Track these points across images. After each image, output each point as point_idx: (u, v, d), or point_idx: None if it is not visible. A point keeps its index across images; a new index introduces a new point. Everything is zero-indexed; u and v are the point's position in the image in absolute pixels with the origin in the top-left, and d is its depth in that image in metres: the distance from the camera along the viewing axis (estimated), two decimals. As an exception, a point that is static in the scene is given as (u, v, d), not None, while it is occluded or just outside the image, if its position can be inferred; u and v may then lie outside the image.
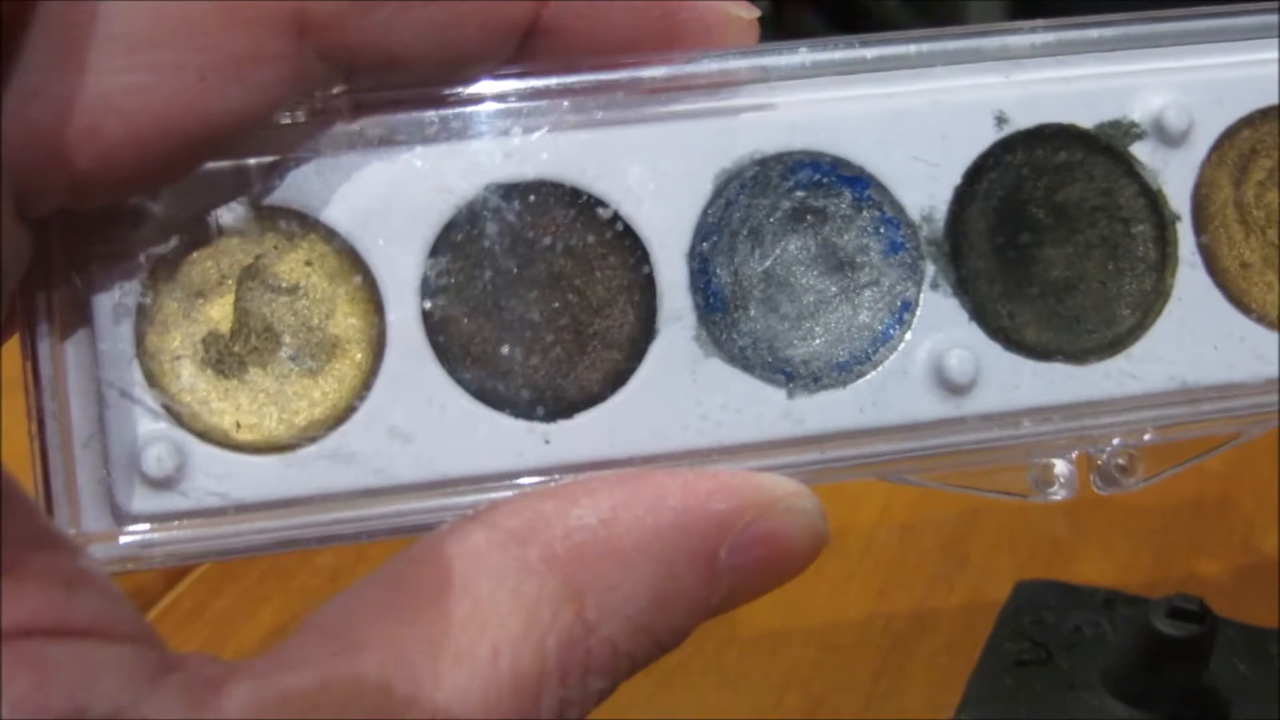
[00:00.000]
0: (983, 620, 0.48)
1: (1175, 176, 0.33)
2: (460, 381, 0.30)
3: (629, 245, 0.31)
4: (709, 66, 0.31)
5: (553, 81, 0.30)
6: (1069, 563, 0.53)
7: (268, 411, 0.29)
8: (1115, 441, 0.32)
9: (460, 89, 0.30)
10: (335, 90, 0.29)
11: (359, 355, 0.30)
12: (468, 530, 0.27)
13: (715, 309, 0.31)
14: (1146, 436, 0.32)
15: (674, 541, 0.27)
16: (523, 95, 0.30)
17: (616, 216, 0.30)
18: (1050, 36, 0.33)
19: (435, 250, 0.30)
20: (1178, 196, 0.33)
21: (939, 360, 0.31)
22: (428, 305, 0.30)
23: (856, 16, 1.58)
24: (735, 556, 0.28)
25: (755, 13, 0.32)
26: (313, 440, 0.29)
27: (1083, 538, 0.54)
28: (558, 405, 0.30)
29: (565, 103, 0.30)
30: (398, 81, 0.30)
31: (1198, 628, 0.40)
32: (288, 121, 0.29)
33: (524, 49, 0.30)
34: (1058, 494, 0.32)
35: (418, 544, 0.27)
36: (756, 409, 0.31)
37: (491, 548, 0.26)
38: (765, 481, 0.29)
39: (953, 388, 0.31)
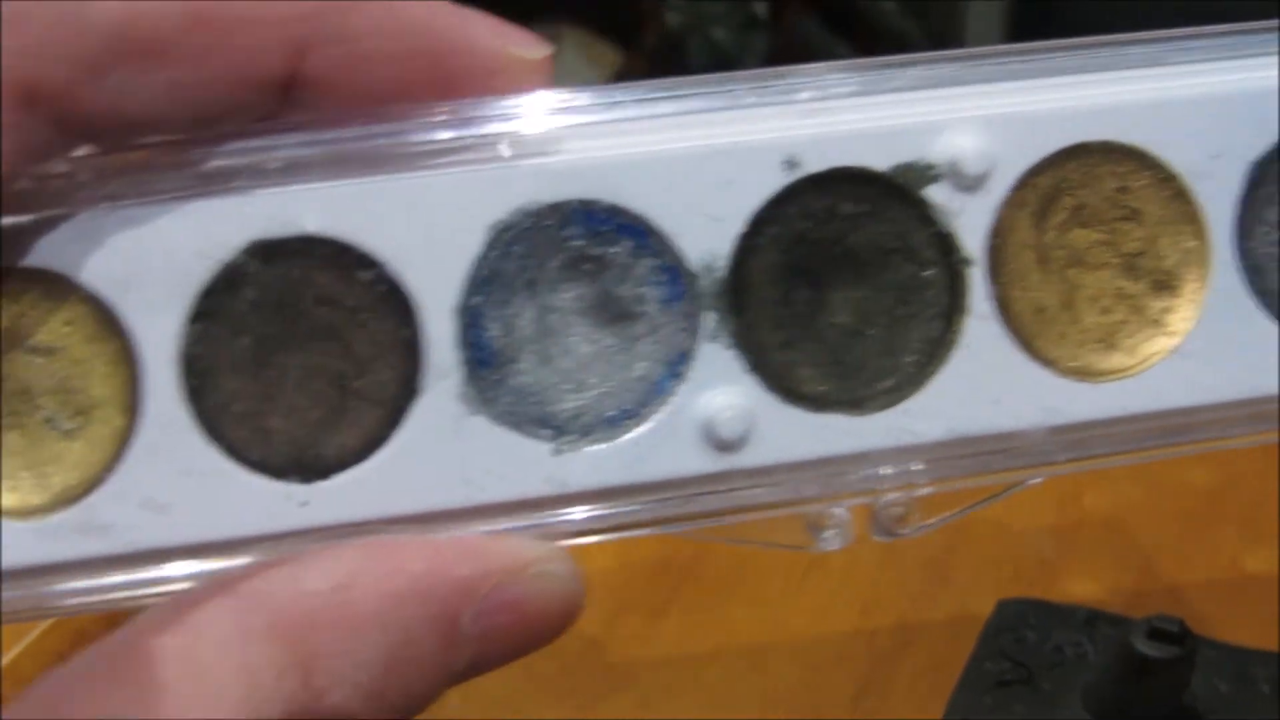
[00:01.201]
0: (965, 638, 0.48)
1: (971, 219, 0.32)
2: (218, 444, 0.29)
3: (395, 301, 0.30)
4: (481, 113, 0.30)
5: (315, 135, 0.29)
6: (1053, 581, 0.53)
7: (22, 476, 0.29)
8: (892, 495, 0.32)
9: (218, 145, 0.29)
10: (83, 151, 0.28)
11: (117, 419, 0.29)
12: (195, 598, 0.27)
13: (484, 364, 0.30)
14: (921, 491, 0.32)
15: (411, 607, 0.27)
16: (285, 149, 0.29)
17: (382, 272, 0.30)
18: (846, 76, 0.31)
19: (194, 311, 0.29)
20: (973, 240, 0.32)
21: (711, 414, 0.31)
22: (186, 367, 0.29)
23: (855, 19, 1.52)
24: (480, 622, 0.28)
25: (543, 51, 0.30)
26: (68, 505, 0.29)
27: (1067, 555, 0.54)
28: (317, 467, 0.30)
29: (329, 156, 0.29)
30: (150, 140, 0.28)
31: (1177, 649, 0.40)
32: (32, 184, 0.28)
33: (287, 101, 0.29)
34: (833, 543, 0.32)
35: (146, 612, 0.27)
36: (520, 467, 0.30)
37: (219, 615, 0.26)
38: (515, 545, 0.29)
39: (723, 443, 0.31)
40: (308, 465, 0.30)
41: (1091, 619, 0.48)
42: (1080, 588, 0.53)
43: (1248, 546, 0.54)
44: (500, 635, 0.28)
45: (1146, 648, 0.41)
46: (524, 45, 0.29)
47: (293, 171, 0.29)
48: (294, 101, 0.28)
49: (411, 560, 0.27)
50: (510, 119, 0.30)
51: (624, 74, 1.44)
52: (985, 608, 0.49)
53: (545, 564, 0.29)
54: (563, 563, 0.29)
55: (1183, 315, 0.33)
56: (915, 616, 0.52)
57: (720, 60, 1.54)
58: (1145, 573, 0.54)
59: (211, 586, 0.27)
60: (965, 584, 0.54)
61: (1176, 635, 0.41)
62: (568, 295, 0.30)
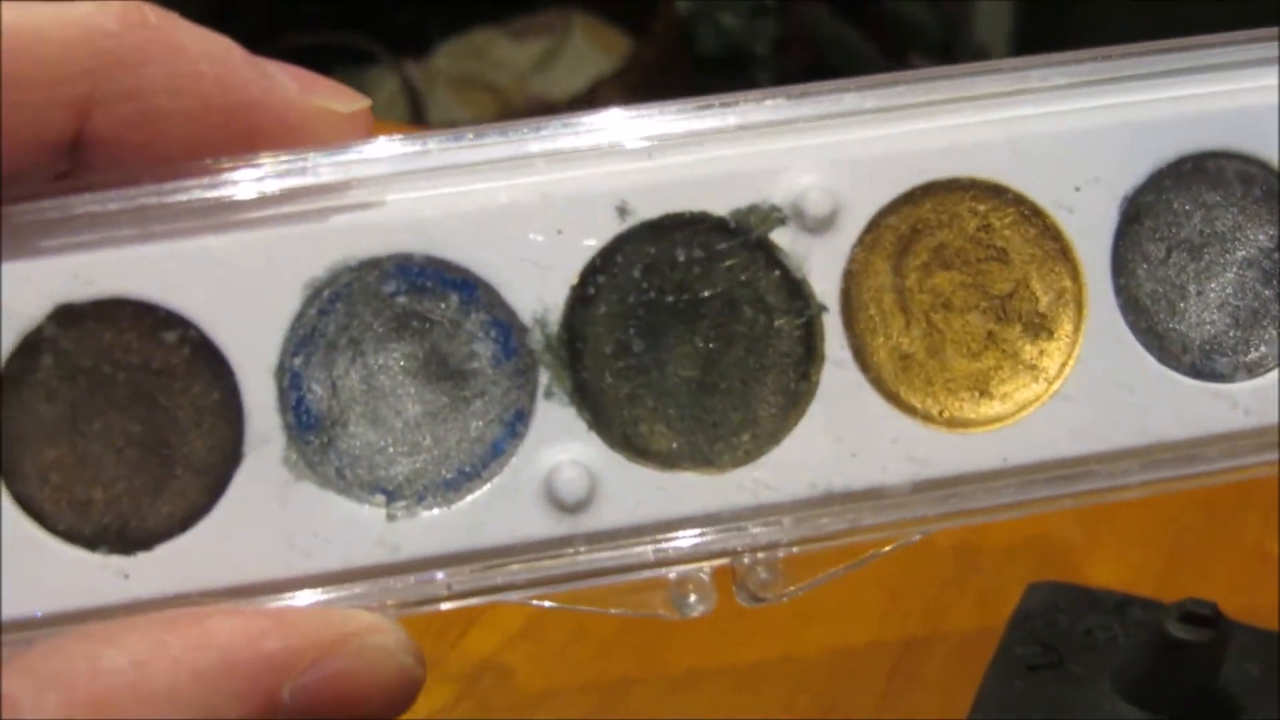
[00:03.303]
0: (995, 622, 0.47)
1: (821, 264, 0.30)
2: (33, 515, 0.28)
3: (212, 364, 0.29)
4: (295, 167, 0.29)
5: (115, 194, 0.28)
6: (1081, 566, 0.53)
7: None
8: (757, 555, 0.30)
9: (13, 206, 0.28)
10: None
11: None
12: None
13: (308, 428, 0.29)
14: (782, 551, 0.30)
15: (215, 683, 0.26)
16: (84, 209, 0.28)
17: (197, 334, 0.29)
18: (682, 118, 0.30)
19: (4, 379, 0.28)
20: (825, 286, 0.30)
21: (552, 475, 0.29)
22: None
23: (864, 5, 1.53)
24: (301, 698, 0.26)
25: (357, 104, 0.29)
26: None
27: (1095, 541, 0.54)
28: (139, 537, 0.29)
29: (131, 215, 0.29)
30: None
31: (1210, 632, 0.40)
32: None
33: (80, 161, 0.28)
34: (696, 609, 0.30)
35: None
36: (350, 534, 0.29)
37: (18, 694, 0.25)
38: (335, 617, 0.27)
39: (565, 504, 0.29)
40: (129, 536, 0.29)
41: (1122, 603, 0.46)
42: (1107, 572, 0.52)
43: (1272, 532, 0.53)
44: (328, 711, 0.27)
45: (1179, 631, 0.39)
46: (334, 98, 0.29)
47: (93, 232, 0.28)
48: (88, 160, 0.28)
49: (217, 633, 0.26)
50: (326, 172, 0.29)
51: (634, 61, 1.44)
52: (1013, 592, 0.48)
53: (369, 636, 0.27)
54: (390, 634, 0.28)
55: (1060, 359, 0.31)
56: (944, 601, 0.51)
57: (730, 47, 1.54)
58: (1171, 558, 0.53)
59: (12, 663, 0.26)
60: (993, 569, 0.53)
61: (1209, 619, 0.40)
62: (396, 354, 0.29)
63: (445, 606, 0.29)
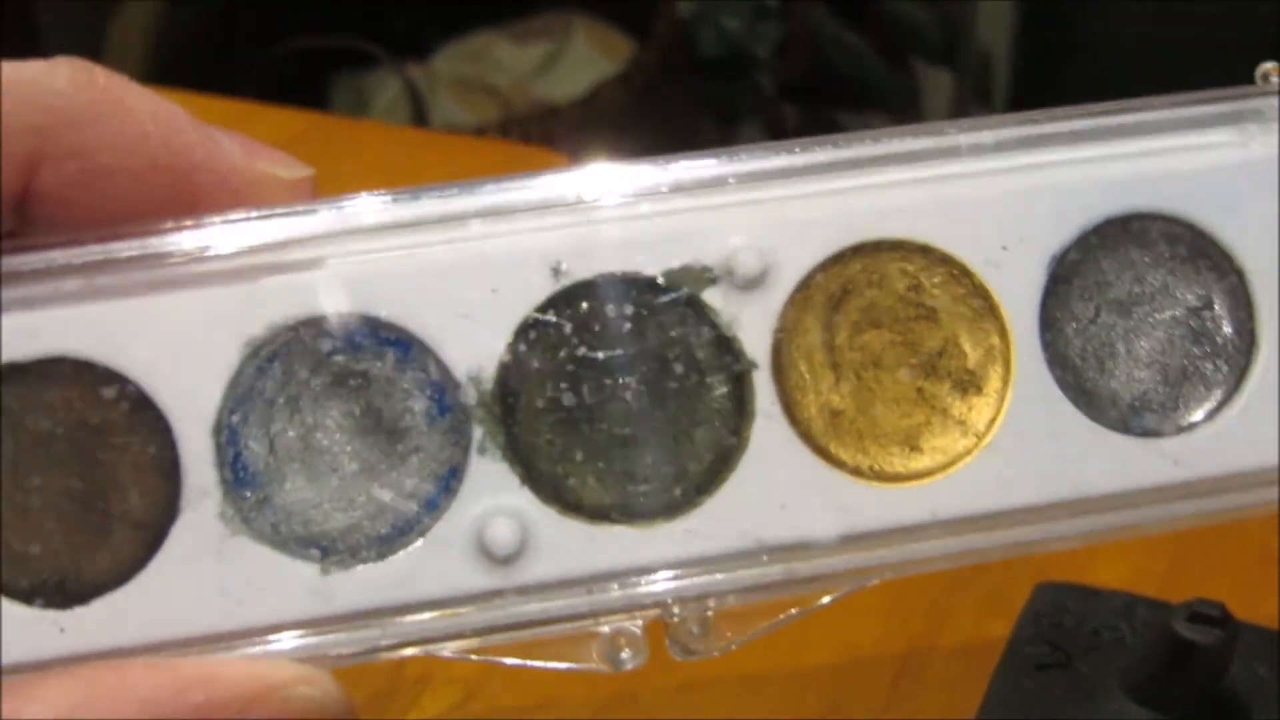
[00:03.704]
0: (1001, 623, 0.48)
1: (752, 322, 0.31)
2: None
3: (151, 421, 0.29)
4: (234, 228, 0.30)
5: (56, 254, 0.29)
6: (1086, 566, 0.52)
7: None
8: (689, 607, 0.31)
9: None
10: None
11: None
12: None
13: (245, 484, 0.30)
14: (714, 603, 0.30)
15: None
16: (27, 267, 0.29)
17: (135, 391, 0.29)
18: (614, 179, 0.31)
19: None
20: (756, 343, 0.31)
21: (484, 529, 0.30)
22: None
23: (865, 8, 1.53)
24: None
25: (300, 172, 0.30)
26: None
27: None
28: (76, 590, 0.29)
29: (72, 273, 0.29)
30: None
31: (1219, 632, 0.40)
32: None
33: (26, 218, 0.29)
34: (629, 663, 0.31)
35: None
36: (284, 588, 0.30)
37: None
38: (260, 668, 0.28)
39: (496, 558, 0.30)
40: (66, 590, 0.29)
41: (1129, 604, 0.47)
42: (1112, 573, 0.52)
43: (1276, 533, 0.53)
44: None
45: (1188, 631, 0.40)
46: (276, 164, 0.29)
47: (34, 290, 0.29)
48: (33, 217, 0.28)
49: (140, 686, 0.27)
50: (265, 232, 0.29)
51: (636, 63, 1.44)
52: (1019, 593, 0.48)
53: (295, 687, 0.28)
54: (319, 684, 0.28)
55: (988, 415, 0.31)
56: (950, 602, 0.52)
57: (731, 49, 1.54)
58: (1176, 558, 0.53)
59: None
60: (999, 570, 0.52)
61: (1218, 619, 0.40)
62: (333, 411, 0.30)
63: (372, 659, 0.30)
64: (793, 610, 0.31)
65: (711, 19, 1.56)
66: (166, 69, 1.28)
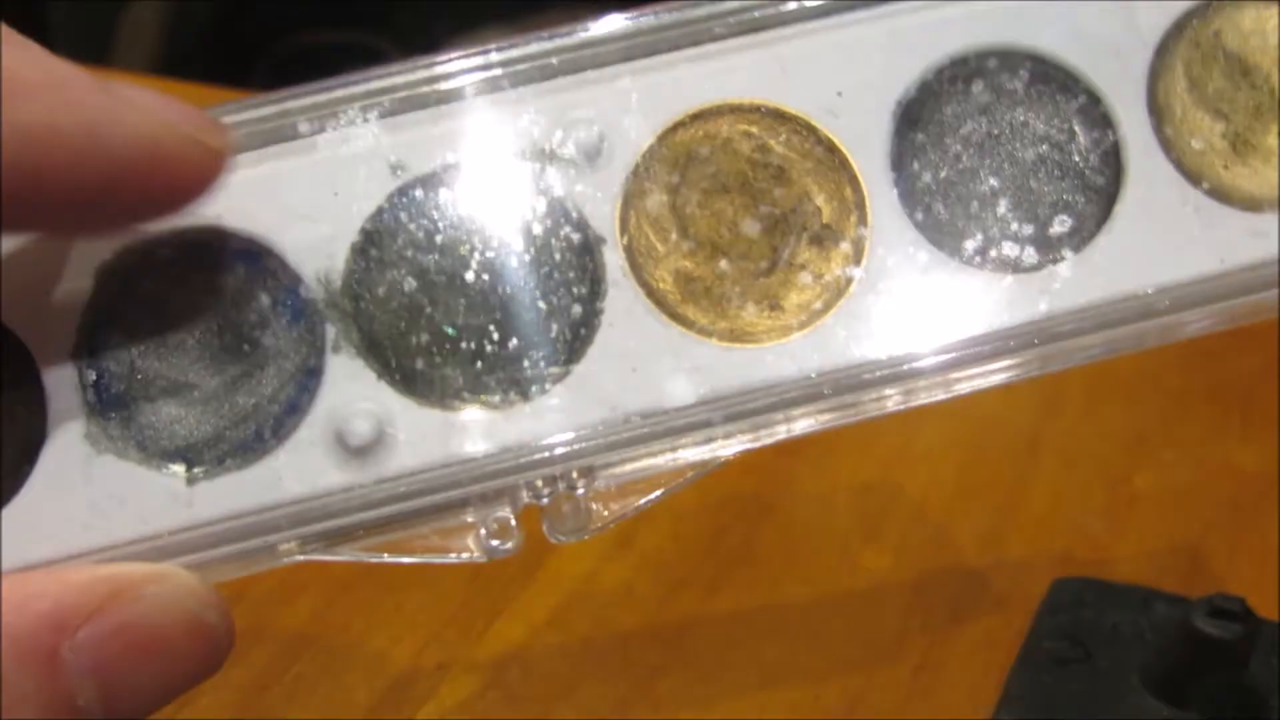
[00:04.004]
0: (1020, 617, 0.48)
1: (596, 195, 0.31)
2: None
3: (12, 352, 0.30)
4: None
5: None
6: (1105, 560, 0.52)
7: None
8: (556, 486, 0.30)
9: None
10: None
11: None
12: None
13: (108, 405, 0.30)
14: (579, 480, 0.30)
15: None
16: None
17: None
18: (451, 68, 0.31)
19: None
20: (602, 215, 0.31)
21: (341, 425, 0.30)
22: None
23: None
24: (85, 655, 0.26)
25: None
26: None
27: (1119, 536, 0.54)
28: None
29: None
30: None
31: (1240, 627, 0.40)
32: None
33: None
34: (502, 550, 0.30)
35: None
36: (150, 500, 0.30)
37: None
38: (105, 571, 0.28)
39: (357, 452, 0.30)
40: None
41: (1148, 598, 0.47)
42: (1131, 568, 0.51)
43: None
44: (121, 663, 0.27)
45: (1208, 626, 0.40)
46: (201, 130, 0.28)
47: None
48: None
49: None
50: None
51: None
52: (1038, 587, 0.48)
53: (147, 586, 0.28)
54: (174, 581, 0.28)
55: (848, 267, 0.31)
56: (968, 596, 0.51)
57: None
58: (1196, 553, 0.52)
59: None
60: (1017, 564, 0.52)
61: (1238, 614, 0.40)
62: (189, 326, 0.30)
63: (246, 571, 0.30)
64: (661, 489, 0.30)
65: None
66: (176, 62, 1.28)
